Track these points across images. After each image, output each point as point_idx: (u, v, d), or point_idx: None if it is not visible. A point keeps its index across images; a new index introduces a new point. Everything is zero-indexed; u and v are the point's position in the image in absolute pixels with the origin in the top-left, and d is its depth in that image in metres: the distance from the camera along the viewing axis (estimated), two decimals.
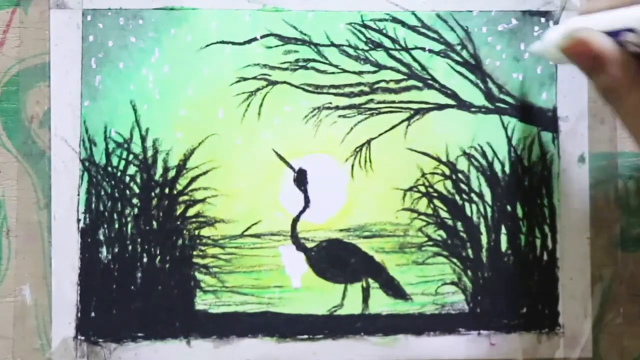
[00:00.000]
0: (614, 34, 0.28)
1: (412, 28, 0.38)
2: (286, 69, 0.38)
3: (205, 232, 0.37)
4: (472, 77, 0.38)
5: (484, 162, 0.38)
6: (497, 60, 0.38)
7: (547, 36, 0.32)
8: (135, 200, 0.37)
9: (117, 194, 0.37)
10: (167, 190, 0.37)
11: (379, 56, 0.38)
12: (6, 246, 0.37)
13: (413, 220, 0.38)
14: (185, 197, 0.37)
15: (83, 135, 0.37)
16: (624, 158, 0.38)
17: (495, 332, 0.37)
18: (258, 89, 0.38)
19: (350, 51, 0.38)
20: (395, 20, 0.38)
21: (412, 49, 0.38)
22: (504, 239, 0.38)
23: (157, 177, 0.37)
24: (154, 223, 0.37)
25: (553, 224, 0.38)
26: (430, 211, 0.38)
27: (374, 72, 0.38)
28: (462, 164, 0.38)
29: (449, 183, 0.38)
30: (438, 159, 0.38)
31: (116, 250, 0.37)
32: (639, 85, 0.28)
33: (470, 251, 0.38)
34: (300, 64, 0.38)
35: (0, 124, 0.37)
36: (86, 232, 0.37)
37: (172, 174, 0.37)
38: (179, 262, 0.37)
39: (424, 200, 0.38)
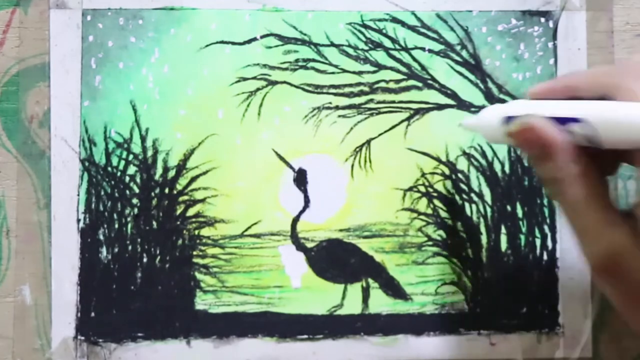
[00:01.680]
0: (560, 122, 0.27)
1: (412, 28, 0.38)
2: (286, 69, 0.38)
3: (205, 232, 0.37)
4: (472, 77, 0.38)
5: (483, 162, 0.38)
6: (497, 60, 0.38)
7: (483, 113, 0.30)
8: (135, 200, 0.37)
9: (117, 194, 0.37)
10: (167, 190, 0.37)
11: (379, 56, 0.38)
12: (6, 246, 0.37)
13: (413, 220, 0.38)
14: (185, 197, 0.37)
15: (83, 135, 0.37)
16: None
17: (495, 332, 0.37)
18: (258, 89, 0.38)
19: (350, 51, 0.38)
20: (395, 20, 0.38)
21: (412, 49, 0.38)
22: (503, 239, 0.38)
23: (157, 177, 0.37)
24: (154, 223, 0.37)
25: (553, 224, 0.38)
26: (430, 211, 0.38)
27: (374, 72, 0.38)
28: (462, 164, 0.38)
29: (448, 183, 0.38)
30: (438, 159, 0.38)
31: (116, 250, 0.37)
32: (582, 179, 0.27)
33: (470, 251, 0.38)
34: (300, 64, 0.38)
35: (0, 124, 0.37)
36: (86, 232, 0.37)
37: (172, 174, 0.37)
38: (179, 262, 0.37)
39: (424, 200, 0.38)
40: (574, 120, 0.27)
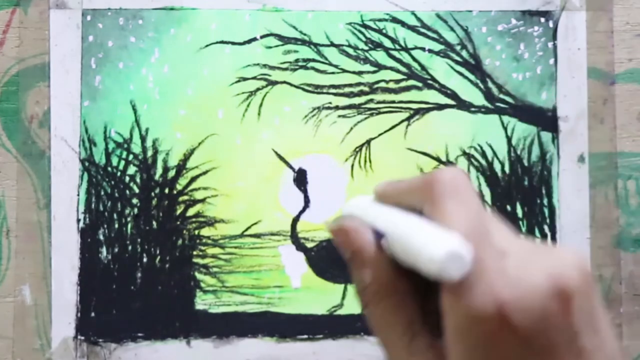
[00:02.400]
0: (377, 234, 0.25)
1: (412, 28, 0.38)
2: (286, 69, 0.38)
3: (205, 232, 0.37)
4: (472, 77, 0.38)
5: (483, 162, 0.38)
6: (497, 60, 0.38)
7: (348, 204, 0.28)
8: (135, 200, 0.37)
9: (117, 194, 0.37)
10: (167, 190, 0.37)
11: (379, 56, 0.38)
12: (6, 246, 0.37)
13: None
14: (185, 197, 0.37)
15: (83, 135, 0.37)
16: (623, 158, 0.38)
17: None
18: (258, 89, 0.38)
19: (350, 51, 0.38)
20: (395, 20, 0.38)
21: (412, 49, 0.38)
22: None
23: (157, 177, 0.37)
24: (154, 223, 0.37)
25: (553, 224, 0.38)
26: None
27: (374, 72, 0.38)
28: (462, 164, 0.38)
29: None
30: (438, 159, 0.38)
31: (116, 250, 0.37)
32: (388, 298, 0.26)
33: None
34: (300, 64, 0.38)
35: (0, 124, 0.37)
36: (86, 232, 0.37)
37: (172, 174, 0.37)
38: (179, 262, 0.37)
39: None
40: (382, 235, 0.25)
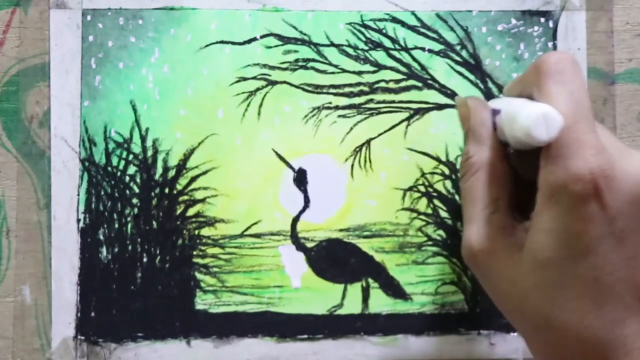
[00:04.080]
0: (494, 113, 0.29)
1: (412, 28, 0.38)
2: (286, 69, 0.38)
3: (205, 232, 0.37)
4: (472, 77, 0.38)
5: None
6: (497, 60, 0.38)
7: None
8: (135, 200, 0.37)
9: (117, 194, 0.37)
10: (167, 190, 0.37)
11: (379, 56, 0.38)
12: (6, 246, 0.37)
13: (413, 220, 0.38)
14: (185, 197, 0.37)
15: (83, 135, 0.37)
16: None
17: (495, 332, 0.37)
18: (258, 89, 0.38)
19: (350, 51, 0.38)
20: (395, 20, 0.38)
21: (412, 49, 0.38)
22: None
23: (157, 177, 0.37)
24: (154, 223, 0.37)
25: None
26: (430, 211, 0.38)
27: (374, 72, 0.38)
28: None
29: (448, 183, 0.38)
30: (438, 159, 0.38)
31: (116, 250, 0.37)
32: (483, 172, 0.28)
33: None
34: (300, 64, 0.38)
35: (0, 124, 0.37)
36: (86, 232, 0.37)
37: (172, 174, 0.37)
38: (179, 262, 0.37)
39: (424, 200, 0.38)
40: (498, 111, 0.28)
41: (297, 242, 0.37)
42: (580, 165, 0.23)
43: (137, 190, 0.37)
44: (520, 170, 0.28)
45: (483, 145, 0.28)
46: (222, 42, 0.37)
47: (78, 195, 0.37)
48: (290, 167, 0.37)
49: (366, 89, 0.38)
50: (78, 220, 0.37)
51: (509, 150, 0.28)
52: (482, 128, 0.28)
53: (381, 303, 0.37)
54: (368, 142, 0.38)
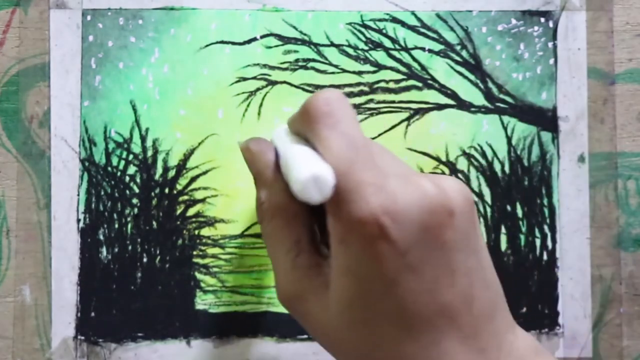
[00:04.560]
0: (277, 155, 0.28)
1: (412, 28, 0.38)
2: (286, 69, 0.38)
3: (205, 232, 0.37)
4: (472, 77, 0.38)
5: (483, 162, 0.38)
6: (497, 60, 0.38)
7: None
8: (135, 200, 0.37)
9: (117, 194, 0.37)
10: (167, 190, 0.37)
11: (379, 56, 0.38)
12: (6, 246, 0.37)
13: None
14: (185, 197, 0.37)
15: (83, 135, 0.37)
16: (624, 158, 0.38)
17: None
18: (258, 89, 0.38)
19: (350, 51, 0.38)
20: (395, 20, 0.38)
21: (412, 49, 0.38)
22: (503, 239, 0.38)
23: (157, 177, 0.37)
24: (154, 223, 0.37)
25: (553, 224, 0.38)
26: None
27: (374, 72, 0.38)
28: (462, 164, 0.38)
29: None
30: (438, 159, 0.38)
31: (116, 250, 0.37)
32: (279, 217, 0.27)
33: None
34: (300, 64, 0.38)
35: (0, 124, 0.37)
36: (86, 232, 0.37)
37: (172, 174, 0.37)
38: (179, 262, 0.37)
39: None
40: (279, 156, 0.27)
41: None
42: (363, 207, 0.23)
43: (137, 190, 0.37)
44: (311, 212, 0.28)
45: (272, 189, 0.27)
46: (222, 42, 0.37)
47: (78, 195, 0.37)
48: None
49: (366, 89, 0.38)
50: (78, 220, 0.37)
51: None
52: (268, 171, 0.28)
53: None
54: None
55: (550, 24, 0.38)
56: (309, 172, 0.23)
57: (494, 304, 0.25)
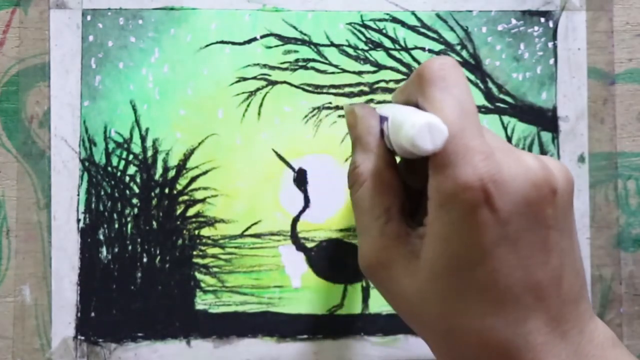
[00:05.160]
0: (381, 120, 0.28)
1: (412, 28, 0.38)
2: (286, 69, 0.38)
3: (205, 232, 0.37)
4: (472, 77, 0.38)
5: None
6: (497, 60, 0.38)
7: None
8: (135, 200, 0.37)
9: (117, 194, 0.37)
10: (167, 190, 0.37)
11: (379, 56, 0.38)
12: (6, 246, 0.37)
13: None
14: (185, 197, 0.37)
15: (83, 135, 0.37)
16: (623, 158, 0.38)
17: None
18: (258, 89, 0.38)
19: (350, 51, 0.38)
20: (395, 20, 0.38)
21: (412, 49, 0.38)
22: None
23: (157, 177, 0.37)
24: (154, 223, 0.37)
25: None
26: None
27: (374, 72, 0.38)
28: None
29: None
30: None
31: (116, 250, 0.37)
32: (372, 181, 0.27)
33: None
34: (300, 64, 0.38)
35: (0, 124, 0.37)
36: (86, 232, 0.37)
37: (172, 174, 0.37)
38: (179, 262, 0.37)
39: None
40: (386, 119, 0.27)
41: (297, 242, 0.37)
42: (469, 172, 0.23)
43: (137, 190, 0.37)
44: (407, 179, 0.28)
45: (370, 154, 0.27)
46: (222, 42, 0.37)
47: (78, 195, 0.37)
48: (291, 167, 0.37)
49: (366, 89, 0.38)
50: (78, 220, 0.37)
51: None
52: (369, 136, 0.28)
53: (381, 303, 0.37)
54: None
55: (550, 24, 0.38)
56: (424, 119, 0.22)
57: (580, 290, 0.25)
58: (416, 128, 0.23)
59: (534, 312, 0.23)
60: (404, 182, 0.27)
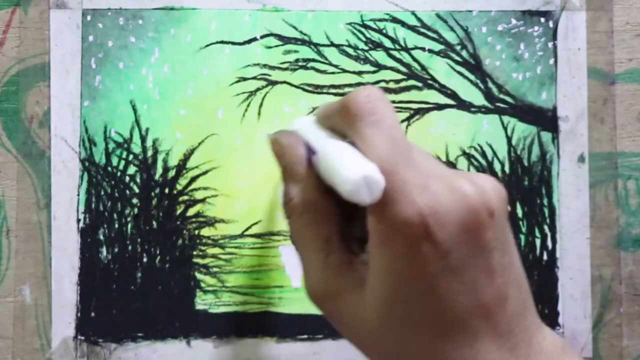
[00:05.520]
0: (309, 150, 0.27)
1: (412, 28, 0.38)
2: (286, 69, 0.38)
3: (205, 232, 0.37)
4: (472, 77, 0.38)
5: (483, 162, 0.38)
6: (497, 60, 0.38)
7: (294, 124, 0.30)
8: (135, 200, 0.37)
9: (117, 194, 0.37)
10: (167, 190, 0.37)
11: (379, 56, 0.38)
12: (6, 246, 0.37)
13: None
14: (185, 197, 0.37)
15: (83, 135, 0.37)
16: (623, 158, 0.38)
17: None
18: (258, 89, 0.38)
19: (350, 51, 0.38)
20: (395, 20, 0.38)
21: (412, 49, 0.38)
22: None
23: (157, 177, 0.37)
24: (154, 223, 0.37)
25: (553, 224, 0.38)
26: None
27: (374, 72, 0.38)
28: (462, 164, 0.38)
29: None
30: (438, 159, 0.38)
31: (116, 250, 0.37)
32: (308, 213, 0.26)
33: None
34: (300, 64, 0.38)
35: (0, 124, 0.37)
36: (86, 232, 0.37)
37: (172, 174, 0.37)
38: (179, 262, 0.37)
39: None
40: (314, 152, 0.26)
41: None
42: (408, 208, 0.22)
43: (137, 190, 0.37)
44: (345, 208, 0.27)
45: (301, 184, 0.27)
46: (222, 42, 0.37)
47: (78, 195, 0.37)
48: None
49: None
50: (78, 220, 0.37)
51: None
52: (298, 166, 0.27)
53: None
54: None
55: (550, 24, 0.38)
56: (360, 173, 0.22)
57: (525, 303, 0.25)
58: (352, 183, 0.22)
59: (482, 331, 0.23)
60: (340, 200, 0.26)
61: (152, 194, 0.37)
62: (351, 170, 0.23)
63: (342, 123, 0.26)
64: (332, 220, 0.27)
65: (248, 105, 0.37)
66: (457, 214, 0.23)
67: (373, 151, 0.23)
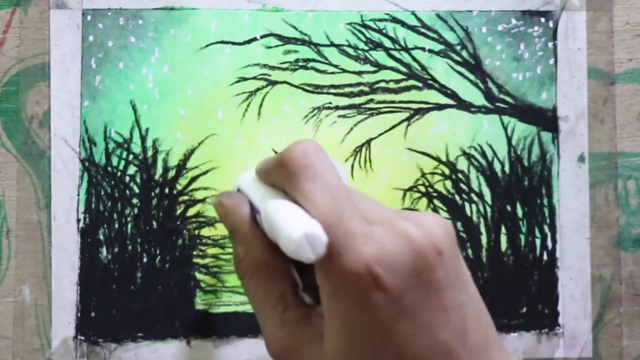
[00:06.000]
0: (253, 208, 0.27)
1: (412, 28, 0.38)
2: (286, 69, 0.38)
3: (205, 232, 0.37)
4: (472, 77, 0.38)
5: (483, 162, 0.38)
6: (497, 60, 0.38)
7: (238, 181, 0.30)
8: (135, 200, 0.37)
9: (117, 194, 0.37)
10: (167, 190, 0.37)
11: (379, 56, 0.38)
12: (6, 246, 0.37)
13: None
14: (185, 197, 0.37)
15: (83, 135, 0.37)
16: (623, 158, 0.38)
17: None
18: (258, 89, 0.38)
19: (350, 51, 0.38)
20: (395, 20, 0.38)
21: (412, 49, 0.38)
22: (503, 239, 0.38)
23: (157, 177, 0.37)
24: (154, 223, 0.37)
25: (553, 224, 0.38)
26: (430, 211, 0.38)
27: (374, 72, 0.38)
28: (462, 164, 0.38)
29: (448, 183, 0.38)
30: (438, 159, 0.38)
31: (116, 250, 0.37)
32: (260, 272, 0.26)
33: (470, 251, 0.38)
34: (300, 64, 0.38)
35: (0, 124, 0.37)
36: (86, 232, 0.37)
37: (172, 174, 0.37)
38: (179, 262, 0.37)
39: (424, 200, 0.38)
40: (258, 211, 0.26)
41: None
42: (353, 259, 0.22)
43: (137, 190, 0.37)
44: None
45: (251, 245, 0.27)
46: (222, 42, 0.37)
47: (78, 195, 0.37)
48: None
49: (366, 89, 0.38)
50: (78, 220, 0.37)
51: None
52: (244, 226, 0.27)
53: None
54: (368, 142, 0.38)
55: (550, 24, 0.38)
56: (301, 231, 0.22)
57: (487, 336, 0.25)
58: (294, 242, 0.22)
59: None
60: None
61: (152, 194, 0.37)
62: (292, 229, 0.22)
63: (280, 179, 0.25)
64: (284, 277, 0.27)
65: (248, 105, 0.37)
66: (404, 258, 0.23)
67: (313, 206, 0.23)
